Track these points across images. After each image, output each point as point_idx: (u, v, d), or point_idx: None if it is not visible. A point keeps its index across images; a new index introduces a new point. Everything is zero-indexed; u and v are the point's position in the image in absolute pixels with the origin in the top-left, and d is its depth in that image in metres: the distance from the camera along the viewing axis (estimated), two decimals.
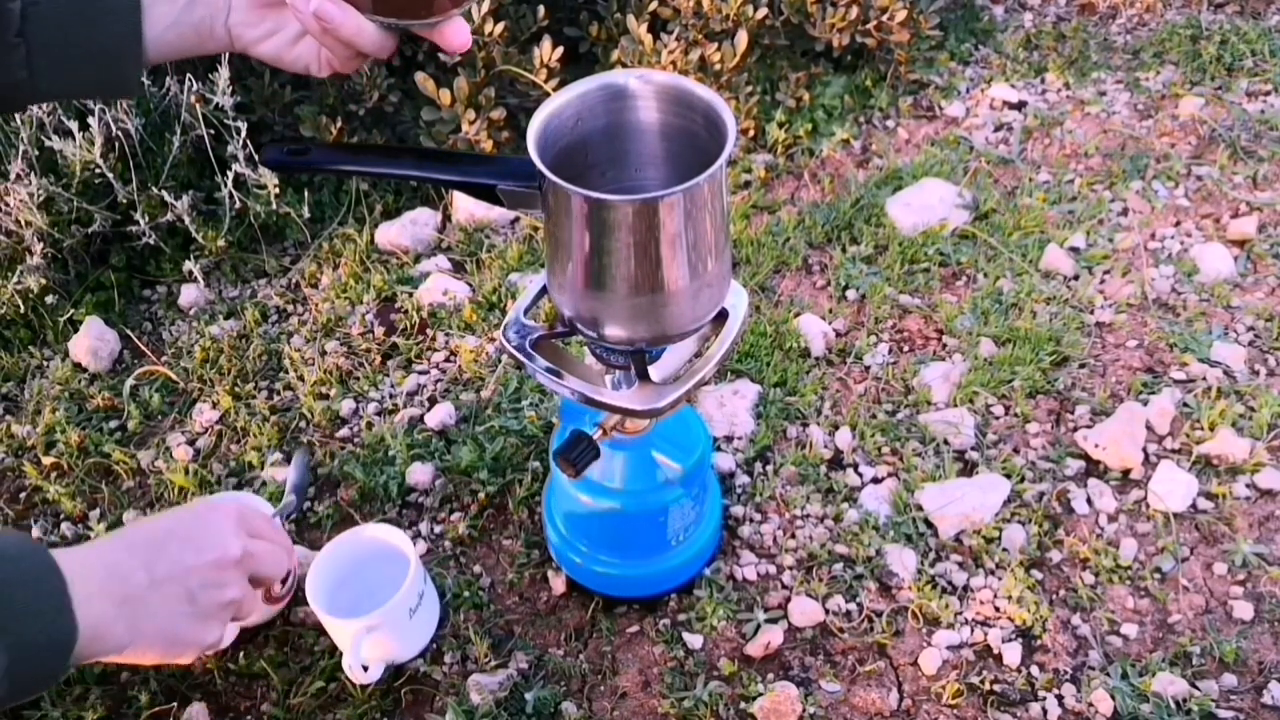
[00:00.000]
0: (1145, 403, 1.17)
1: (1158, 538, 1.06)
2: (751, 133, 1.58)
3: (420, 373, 1.27)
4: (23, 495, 1.18)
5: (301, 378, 1.27)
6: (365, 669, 0.92)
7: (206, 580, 0.68)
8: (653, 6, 1.51)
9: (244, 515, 0.73)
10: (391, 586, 0.93)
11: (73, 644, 0.59)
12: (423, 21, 0.64)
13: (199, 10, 0.69)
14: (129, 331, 1.36)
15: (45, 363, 1.33)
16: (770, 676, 0.97)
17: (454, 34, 0.66)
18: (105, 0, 0.66)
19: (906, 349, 1.27)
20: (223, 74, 1.33)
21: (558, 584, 1.05)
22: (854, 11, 1.55)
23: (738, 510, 1.10)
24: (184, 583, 0.66)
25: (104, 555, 0.64)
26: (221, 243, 1.40)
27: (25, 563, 0.59)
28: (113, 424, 1.25)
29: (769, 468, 1.14)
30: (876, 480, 1.13)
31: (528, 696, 0.96)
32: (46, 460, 1.20)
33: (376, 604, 0.91)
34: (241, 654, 1.00)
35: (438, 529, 1.11)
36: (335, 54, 0.68)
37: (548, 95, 0.70)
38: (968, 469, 1.13)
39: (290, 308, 1.38)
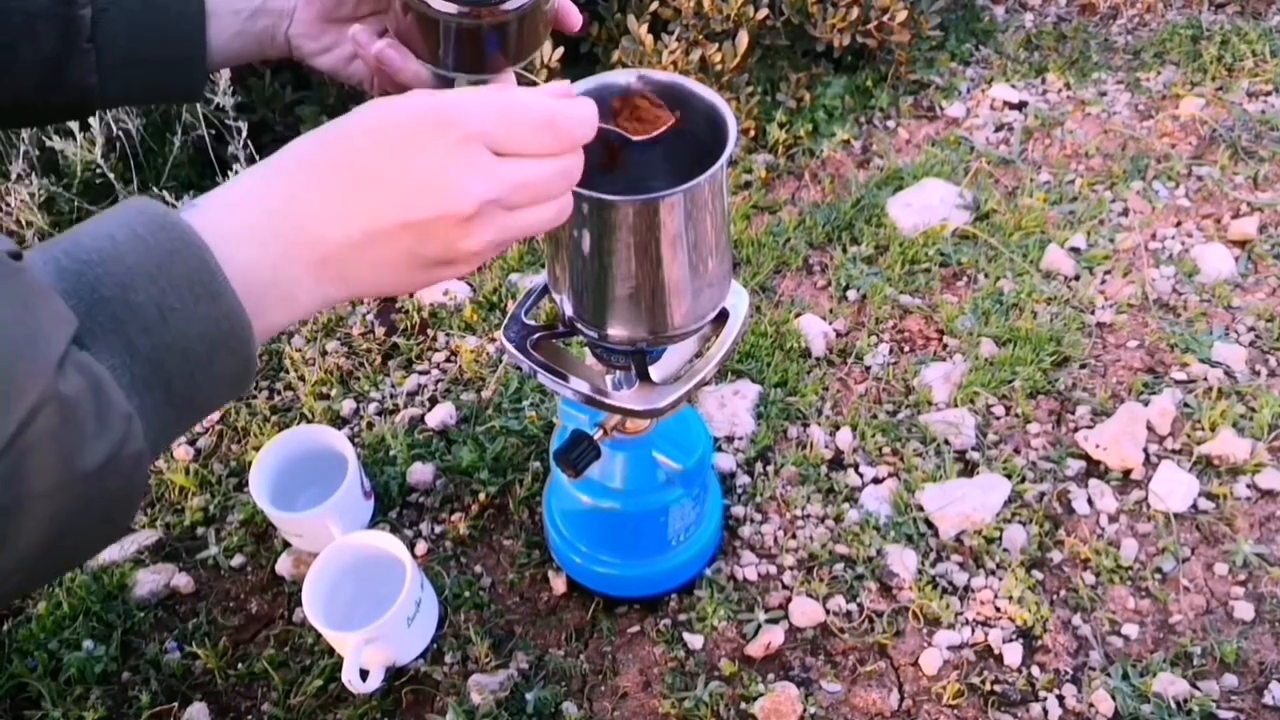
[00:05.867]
0: (1146, 403, 1.17)
1: (1158, 538, 1.06)
2: (752, 133, 1.58)
3: (421, 373, 1.27)
4: None
5: (302, 378, 1.27)
6: (365, 677, 0.92)
7: (430, 235, 0.48)
8: (653, 7, 1.51)
9: (484, 113, 0.48)
10: (388, 587, 0.93)
11: (239, 328, 0.44)
12: (479, 76, 0.65)
13: (261, 20, 0.70)
14: None
15: None
16: (771, 677, 0.97)
17: None
18: (173, 7, 0.67)
19: (907, 349, 1.27)
20: (223, 74, 1.33)
21: (558, 584, 1.05)
22: (855, 12, 1.55)
23: (738, 510, 1.10)
24: (398, 242, 0.48)
25: (276, 202, 0.46)
26: None
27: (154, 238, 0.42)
28: None
29: (769, 468, 1.14)
30: (877, 480, 1.13)
31: (528, 697, 0.96)
32: None
33: (374, 606, 0.91)
34: (241, 654, 1.00)
35: (438, 529, 1.11)
36: (388, 87, 0.70)
37: None
38: (968, 469, 1.13)
39: None
